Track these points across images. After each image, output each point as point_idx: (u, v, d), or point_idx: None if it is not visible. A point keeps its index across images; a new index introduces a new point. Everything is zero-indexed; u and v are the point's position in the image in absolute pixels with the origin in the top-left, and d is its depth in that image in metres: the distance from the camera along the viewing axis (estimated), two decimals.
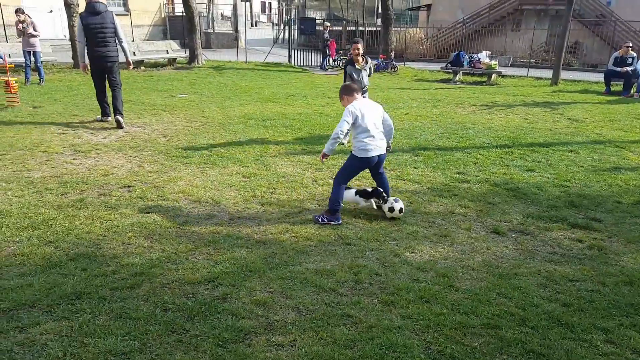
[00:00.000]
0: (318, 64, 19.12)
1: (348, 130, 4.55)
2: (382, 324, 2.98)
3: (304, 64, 19.22)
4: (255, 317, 3.02)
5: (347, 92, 4.70)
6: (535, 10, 23.96)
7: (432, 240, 4.23)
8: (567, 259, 3.93)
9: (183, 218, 4.53)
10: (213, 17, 27.04)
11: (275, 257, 3.81)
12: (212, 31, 26.32)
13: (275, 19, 43.05)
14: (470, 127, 8.69)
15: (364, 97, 7.07)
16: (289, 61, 19.87)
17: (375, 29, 26.59)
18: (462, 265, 3.80)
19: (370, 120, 4.50)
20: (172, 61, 17.17)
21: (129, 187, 5.32)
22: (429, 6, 28.60)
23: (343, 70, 7.33)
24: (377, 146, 4.53)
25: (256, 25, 44.63)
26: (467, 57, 16.68)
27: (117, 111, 8.06)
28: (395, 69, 18.21)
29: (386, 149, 4.72)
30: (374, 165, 4.68)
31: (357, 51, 7.04)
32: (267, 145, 7.20)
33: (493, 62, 16.06)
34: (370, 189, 4.80)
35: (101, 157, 6.42)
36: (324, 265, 3.68)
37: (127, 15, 22.63)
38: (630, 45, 13.89)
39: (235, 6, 25.47)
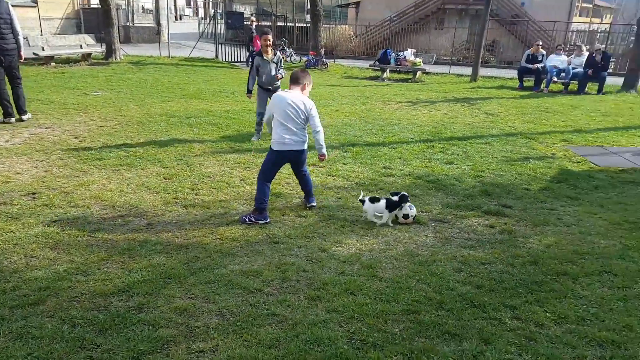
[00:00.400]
0: (245, 59, 18.87)
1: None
2: (308, 319, 3.00)
3: (232, 60, 18.88)
4: (175, 325, 2.92)
5: (290, 81, 4.67)
6: (456, 9, 25.14)
7: (359, 234, 4.31)
8: (480, 244, 4.17)
9: (95, 225, 4.28)
10: (133, 10, 25.80)
11: (198, 261, 3.70)
12: (131, 25, 25.12)
13: (201, 13, 41.93)
14: (396, 123, 8.95)
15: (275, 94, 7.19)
16: (216, 56, 19.44)
17: (305, 25, 26.67)
18: (386, 255, 3.91)
19: (286, 113, 4.45)
20: (86, 57, 16.17)
21: (33, 194, 4.93)
22: (357, 4, 29.14)
23: (250, 61, 7.26)
24: (291, 140, 4.50)
25: (181, 19, 43.18)
26: (393, 54, 17.15)
27: (22, 111, 7.54)
28: (326, 65, 18.36)
29: (319, 157, 4.74)
30: (293, 162, 4.67)
31: (268, 42, 7.04)
32: (190, 144, 6.99)
33: (418, 59, 16.64)
34: (396, 198, 4.52)
35: (2, 163, 5.89)
36: (250, 266, 3.64)
37: (34, 6, 20.97)
38: (540, 43, 14.94)
39: None
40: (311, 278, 3.50)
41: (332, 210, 4.81)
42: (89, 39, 17.45)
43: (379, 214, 4.51)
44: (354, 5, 29.90)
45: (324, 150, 4.69)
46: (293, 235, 4.22)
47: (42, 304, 3.09)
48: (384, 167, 6.24)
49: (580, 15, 28.35)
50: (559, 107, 11.17)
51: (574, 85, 13.98)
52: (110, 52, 16.55)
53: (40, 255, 3.72)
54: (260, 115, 7.39)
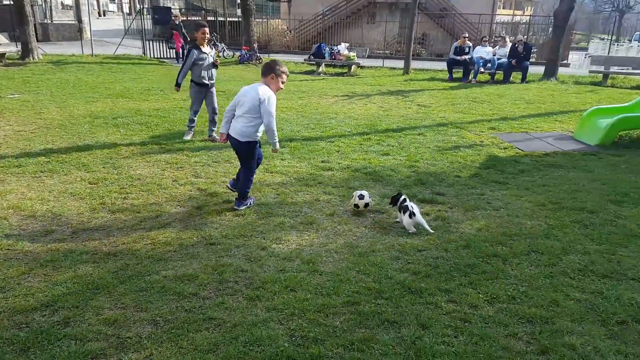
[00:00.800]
0: (174, 56, 18.27)
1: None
2: (247, 320, 2.93)
3: (161, 56, 18.22)
4: (104, 337, 2.75)
5: (275, 72, 4.49)
6: (387, 3, 25.64)
7: (299, 229, 4.27)
8: (416, 232, 4.25)
9: (14, 238, 3.95)
10: (50, 7, 24.25)
11: (128, 268, 3.51)
12: (50, 22, 23.60)
13: (126, 8, 40.13)
14: (333, 117, 8.98)
15: (211, 90, 6.97)
16: (144, 53, 18.68)
17: (236, 19, 26.21)
18: (326, 249, 3.90)
19: (236, 101, 4.53)
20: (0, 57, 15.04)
21: None
22: None
23: (186, 54, 6.91)
24: (232, 127, 4.56)
25: (104, 15, 41.10)
26: (327, 49, 17.23)
27: None
28: (260, 60, 18.15)
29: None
30: (234, 149, 4.67)
31: (206, 35, 6.80)
32: (118, 146, 6.65)
33: (352, 53, 16.81)
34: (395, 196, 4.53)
35: None
36: (185, 270, 3.50)
37: None
38: (467, 35, 15.55)
39: None
40: (250, 278, 3.42)
41: (270, 207, 4.73)
42: (1, 37, 16.23)
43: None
44: (286, 0, 29.76)
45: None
46: (230, 235, 4.11)
47: None
48: (323, 162, 6.24)
49: (503, 8, 29.81)
50: (486, 97, 11.69)
51: (499, 75, 14.71)
52: (26, 51, 15.46)
53: None
54: (196, 113, 7.10)
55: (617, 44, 29.22)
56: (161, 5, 22.17)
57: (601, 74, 14.72)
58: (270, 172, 5.77)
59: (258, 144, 4.69)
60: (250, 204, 4.74)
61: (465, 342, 2.77)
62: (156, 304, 3.08)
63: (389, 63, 18.55)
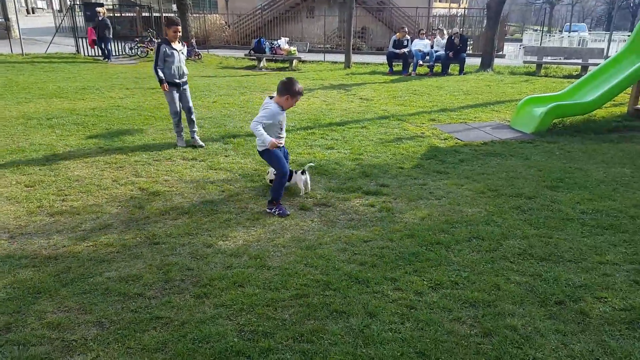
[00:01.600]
0: (114, 53, 17.55)
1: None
2: (195, 318, 2.92)
3: (96, 54, 17.46)
4: (49, 341, 2.67)
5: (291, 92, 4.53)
6: None
7: (245, 225, 4.27)
8: (362, 223, 4.37)
9: None
10: None
11: (70, 271, 3.40)
12: None
13: (56, 5, 38.04)
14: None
15: (184, 88, 6.59)
16: (77, 51, 17.82)
17: (172, 15, 25.47)
18: (274, 244, 3.93)
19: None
20: None
21: None
22: None
23: (155, 50, 6.36)
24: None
25: (33, 12, 38.79)
26: (267, 43, 17.14)
27: None
28: (199, 56, 17.79)
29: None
30: None
31: (178, 33, 6.39)
32: (54, 147, 6.36)
33: (292, 48, 16.82)
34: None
35: None
36: (129, 271, 3.43)
37: None
38: (406, 29, 15.93)
39: None
40: (197, 275, 3.41)
41: (215, 204, 4.70)
42: None
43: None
44: None
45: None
46: (175, 233, 4.06)
47: None
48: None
49: (440, 1, 30.76)
50: (425, 89, 12.06)
51: (438, 68, 15.20)
52: None
53: None
54: (176, 114, 6.58)
55: (549, 35, 30.86)
56: (92, 1, 21.10)
57: (535, 64, 15.35)
58: (214, 169, 5.72)
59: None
60: (276, 212, 4.54)
61: (411, 328, 2.88)
62: (101, 305, 3.01)
63: (330, 57, 18.72)
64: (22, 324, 2.81)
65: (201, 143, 6.72)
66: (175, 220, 4.33)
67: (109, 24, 16.64)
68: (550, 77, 14.62)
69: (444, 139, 7.39)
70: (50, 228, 4.09)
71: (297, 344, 2.72)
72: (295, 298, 3.16)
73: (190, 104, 6.74)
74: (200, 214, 4.49)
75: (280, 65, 16.78)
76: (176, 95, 6.54)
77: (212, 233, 4.10)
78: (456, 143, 7.20)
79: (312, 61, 17.74)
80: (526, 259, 3.72)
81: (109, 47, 16.95)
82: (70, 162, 5.78)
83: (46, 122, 7.67)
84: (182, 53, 6.53)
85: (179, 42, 6.51)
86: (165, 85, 6.37)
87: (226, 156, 6.23)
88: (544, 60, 15.56)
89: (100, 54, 17.21)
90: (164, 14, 23.48)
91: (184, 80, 6.57)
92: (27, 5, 37.96)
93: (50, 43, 18.19)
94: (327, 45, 22.71)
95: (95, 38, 16.73)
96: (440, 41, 15.42)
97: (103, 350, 2.61)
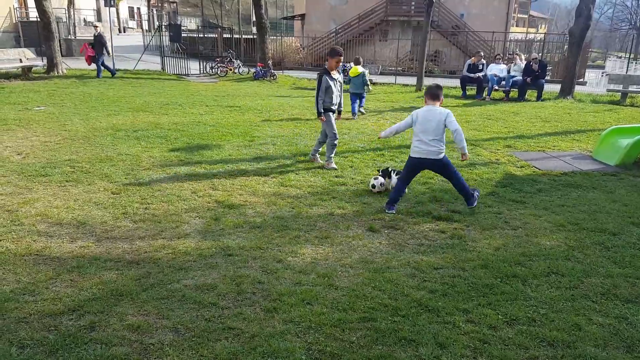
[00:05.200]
0: (195, 72, 18.56)
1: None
2: (265, 331, 2.97)
3: (180, 72, 18.59)
4: (128, 343, 2.82)
5: (431, 96, 5.27)
6: (399, 21, 25.93)
7: (314, 243, 4.32)
8: (432, 249, 4.27)
9: (42, 244, 4.08)
10: (74, 23, 24.93)
11: (150, 277, 3.59)
12: (73, 38, 24.26)
13: (145, 25, 41.05)
14: (346, 133, 9.06)
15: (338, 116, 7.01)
16: (162, 69, 19.06)
17: (251, 36, 26.67)
18: (341, 264, 3.93)
19: (421, 125, 5.09)
20: (27, 71, 15.48)
21: None
22: (302, 16, 29.42)
23: (317, 81, 6.68)
24: (421, 150, 5.11)
25: (125, 32, 42.09)
26: (340, 66, 17.39)
27: None
28: (274, 77, 18.40)
29: (461, 156, 5.35)
30: (432, 168, 5.33)
31: (339, 63, 6.70)
32: (139, 157, 6.80)
33: (366, 70, 16.93)
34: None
35: None
36: (205, 280, 3.57)
37: None
38: (482, 54, 15.62)
39: (98, 11, 23.79)
40: (267, 290, 3.47)
41: (286, 220, 4.80)
42: (28, 52, 16.75)
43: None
44: (299, 18, 30.23)
45: (465, 150, 5.26)
46: (247, 247, 4.18)
47: None
48: (336, 176, 6.30)
49: (517, 26, 29.97)
50: (501, 114, 11.69)
51: (514, 93, 14.71)
52: (51, 65, 15.93)
53: None
54: (335, 136, 6.70)
55: (636, 62, 29.02)
56: (177, 22, 22.62)
57: (619, 93, 14.55)
58: (285, 186, 5.85)
59: None
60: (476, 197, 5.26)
61: None
62: (177, 312, 3.15)
63: (402, 80, 18.66)
64: (105, 324, 2.99)
65: (334, 166, 6.72)
66: (247, 234, 4.46)
67: (104, 41, 15.99)
68: (637, 107, 13.72)
69: (521, 167, 7.10)
70: (133, 234, 4.36)
71: None
72: (362, 321, 3.13)
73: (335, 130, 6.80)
74: (271, 228, 4.59)
75: None
76: (332, 118, 6.74)
77: (282, 248, 4.18)
78: (534, 172, 6.89)
79: (383, 83, 17.78)
80: (610, 299, 3.47)
81: (105, 64, 16.29)
82: (153, 173, 6.15)
83: (132, 134, 8.23)
84: (340, 82, 6.79)
85: (338, 71, 6.76)
86: (323, 116, 6.65)
87: (296, 174, 6.36)
88: (629, 88, 14.63)
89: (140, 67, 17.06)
90: (243, 35, 24.64)
91: (340, 109, 6.92)
92: (119, 24, 41.22)
93: (138, 60, 19.60)
94: (399, 68, 22.70)
95: (92, 55, 16.13)
96: (518, 66, 14.94)
97: (178, 356, 2.72)
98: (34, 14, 22.58)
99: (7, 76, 14.91)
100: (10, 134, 7.97)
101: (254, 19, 23.86)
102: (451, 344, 2.91)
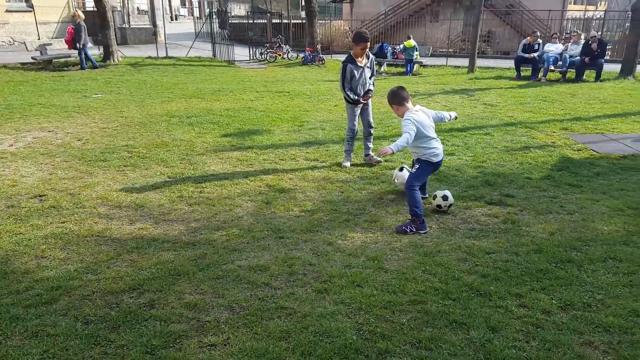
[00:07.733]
0: (245, 58, 18.80)
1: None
2: (316, 311, 3.04)
3: (230, 58, 18.90)
4: (186, 320, 2.96)
5: (396, 100, 4.59)
6: (451, 1, 25.09)
7: (363, 227, 4.34)
8: (484, 234, 4.20)
9: (102, 225, 4.32)
10: (128, 12, 25.80)
11: (206, 257, 3.74)
12: (127, 26, 25.12)
13: (197, 13, 41.90)
14: (395, 117, 8.94)
15: (367, 104, 6.11)
16: (214, 55, 19.44)
17: (300, 21, 26.67)
18: (391, 247, 3.94)
19: (429, 125, 4.48)
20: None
21: (40, 196, 4.98)
22: None
23: (341, 70, 6.04)
24: (441, 149, 4.53)
25: (176, 19, 43.13)
26: (390, 48, 17.13)
27: None
28: (323, 61, 18.37)
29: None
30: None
31: (365, 50, 5.90)
32: (192, 143, 7.03)
33: (415, 52, 16.63)
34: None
35: (8, 167, 5.94)
36: (258, 261, 3.68)
37: (30, 11, 21.05)
38: (537, 33, 14.91)
39: (151, 0, 24.50)
40: (318, 271, 3.54)
41: (335, 204, 4.84)
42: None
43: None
44: (348, 1, 29.85)
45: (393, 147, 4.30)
46: (298, 229, 4.26)
47: (55, 302, 3.14)
48: (386, 160, 6.27)
49: (574, 4, 28.26)
50: (557, 96, 11.18)
51: (571, 74, 13.99)
52: (107, 54, 16.58)
53: (50, 255, 3.77)
54: (352, 131, 6.13)
55: None
56: (226, 10, 22.96)
57: None
58: (334, 171, 5.88)
59: None
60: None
61: (537, 347, 2.72)
62: (232, 291, 3.27)
63: (453, 61, 18.15)
64: (163, 302, 3.15)
65: (378, 159, 6.21)
66: (298, 217, 4.54)
67: (82, 28, 14.50)
68: None
69: (578, 150, 6.80)
70: (189, 217, 4.54)
71: (415, 349, 2.71)
72: (412, 303, 3.14)
73: (371, 119, 6.25)
74: (321, 212, 4.65)
75: (401, 69, 16.67)
76: (357, 111, 6.09)
77: (332, 232, 4.23)
78: (591, 155, 6.59)
79: (434, 65, 17.38)
80: None
81: (87, 54, 14.96)
82: (206, 158, 6.35)
83: (186, 120, 8.49)
84: (368, 67, 6.00)
85: (366, 57, 5.98)
86: (361, 99, 5.99)
87: None
88: None
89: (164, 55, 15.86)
90: (292, 20, 24.68)
91: (369, 96, 6.11)
92: (171, 12, 42.29)
93: (190, 47, 20.08)
94: (450, 49, 22.06)
95: (74, 37, 14.60)
96: (576, 45, 14.15)
97: (233, 334, 2.84)
98: (89, 4, 23.57)
99: (67, 65, 15.66)
100: (70, 120, 8.43)
101: (303, 3, 23.83)
102: (503, 328, 2.88)
